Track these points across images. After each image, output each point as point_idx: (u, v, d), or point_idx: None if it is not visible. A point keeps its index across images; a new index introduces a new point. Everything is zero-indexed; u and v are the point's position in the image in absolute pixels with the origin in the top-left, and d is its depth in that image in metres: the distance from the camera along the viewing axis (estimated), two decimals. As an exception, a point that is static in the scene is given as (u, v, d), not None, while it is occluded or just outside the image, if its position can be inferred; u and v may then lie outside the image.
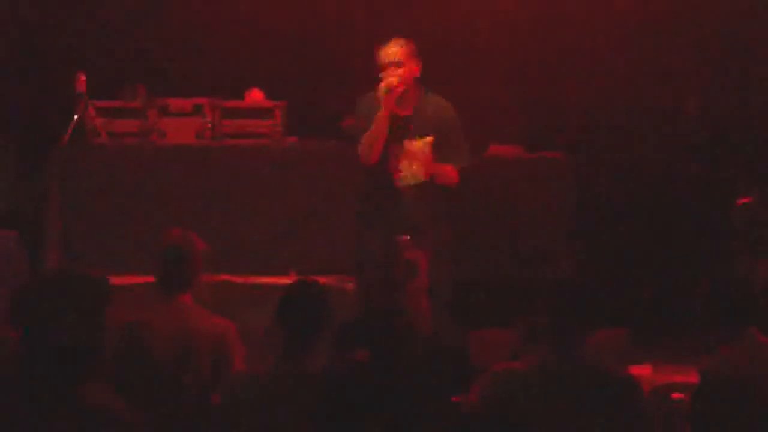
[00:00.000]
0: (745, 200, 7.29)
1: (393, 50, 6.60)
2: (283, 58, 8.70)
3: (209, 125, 7.75)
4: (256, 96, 8.05)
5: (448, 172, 6.67)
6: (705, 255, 7.49)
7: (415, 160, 6.63)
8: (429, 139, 6.66)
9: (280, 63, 8.67)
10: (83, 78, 7.68)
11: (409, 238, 5.89)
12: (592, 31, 8.63)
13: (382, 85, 6.53)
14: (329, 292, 4.77)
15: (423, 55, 6.72)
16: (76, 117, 7.66)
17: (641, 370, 5.94)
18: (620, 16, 8.63)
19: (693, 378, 4.91)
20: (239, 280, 7.26)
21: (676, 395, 5.66)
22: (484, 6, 8.74)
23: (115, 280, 6.02)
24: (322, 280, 5.10)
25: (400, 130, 6.63)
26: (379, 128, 6.52)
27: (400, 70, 6.58)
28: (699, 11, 8.55)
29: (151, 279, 5.38)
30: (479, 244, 7.61)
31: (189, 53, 8.64)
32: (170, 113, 7.79)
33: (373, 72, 6.80)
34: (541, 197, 7.86)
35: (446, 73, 7.65)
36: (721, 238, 7.60)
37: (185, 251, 5.21)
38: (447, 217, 6.73)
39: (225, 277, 7.28)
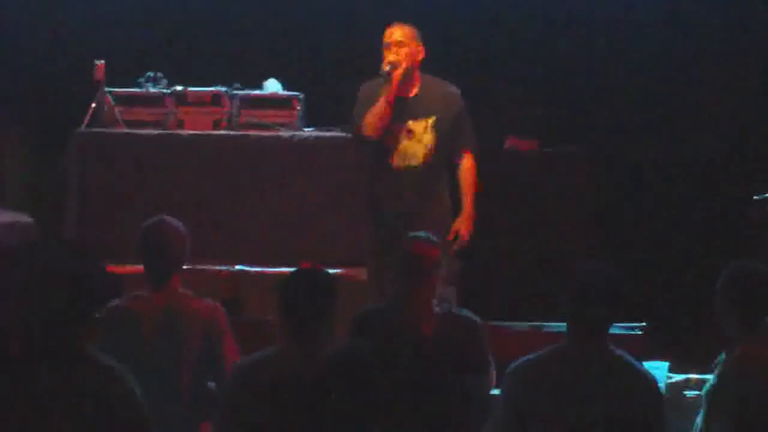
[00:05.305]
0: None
1: (396, 31, 6.61)
2: (301, 48, 8.67)
3: (227, 115, 7.75)
4: (273, 86, 8.03)
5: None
6: (725, 250, 7.43)
7: (419, 141, 6.63)
8: (430, 119, 6.64)
9: (298, 53, 8.64)
10: (102, 66, 7.69)
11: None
12: (613, 24, 8.57)
13: (386, 61, 6.52)
14: (332, 278, 4.73)
15: (439, 47, 6.70)
16: (93, 105, 7.67)
17: (658, 365, 5.91)
18: (642, 9, 8.57)
19: (709, 374, 4.87)
20: (253, 270, 7.27)
21: (692, 391, 5.63)
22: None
23: (129, 269, 6.05)
24: (336, 270, 5.08)
25: (403, 110, 6.60)
26: (381, 106, 6.50)
27: (403, 50, 6.57)
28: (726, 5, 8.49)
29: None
30: (495, 236, 7.57)
31: (208, 42, 8.62)
32: (188, 102, 7.79)
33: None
34: (559, 190, 7.82)
35: (461, 66, 7.62)
36: (741, 233, 7.56)
37: (162, 240, 5.19)
38: (454, 207, 6.70)
39: (239, 267, 7.29)
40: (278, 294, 4.63)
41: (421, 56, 6.64)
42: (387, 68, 6.52)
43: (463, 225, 6.65)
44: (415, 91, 6.66)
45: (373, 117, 6.54)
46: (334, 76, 8.41)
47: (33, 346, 3.43)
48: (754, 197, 7.28)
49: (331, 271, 5.13)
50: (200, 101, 7.79)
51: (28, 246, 5.77)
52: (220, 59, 8.47)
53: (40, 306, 3.43)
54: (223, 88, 7.79)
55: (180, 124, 7.77)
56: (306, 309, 4.57)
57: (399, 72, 6.52)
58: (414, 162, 6.63)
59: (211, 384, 5.20)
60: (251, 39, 8.63)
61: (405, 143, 6.62)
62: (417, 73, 6.65)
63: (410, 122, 6.62)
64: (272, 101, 7.84)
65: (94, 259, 3.69)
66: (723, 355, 4.74)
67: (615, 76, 8.48)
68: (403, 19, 6.76)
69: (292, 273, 4.74)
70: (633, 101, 8.51)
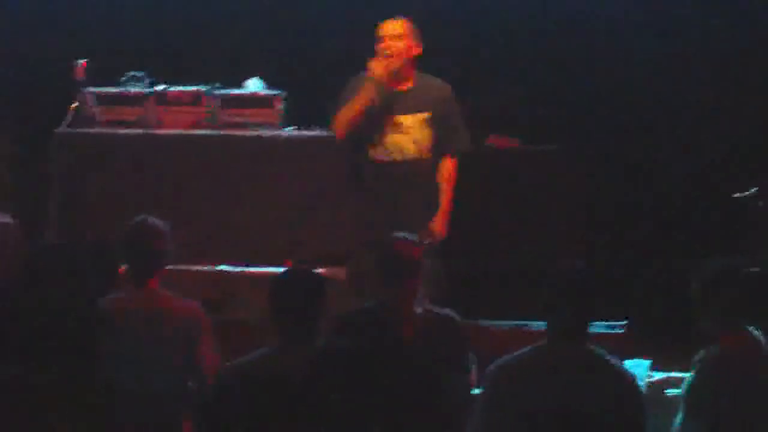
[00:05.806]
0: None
1: (394, 24, 6.55)
2: (283, 47, 8.66)
3: (208, 114, 7.74)
4: (254, 86, 8.02)
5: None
6: (724, 248, 7.42)
7: (407, 134, 6.60)
8: (423, 115, 6.61)
9: (280, 52, 8.63)
10: (83, 65, 7.68)
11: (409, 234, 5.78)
12: (613, 24, 8.56)
13: (381, 53, 6.45)
14: (323, 279, 4.73)
15: (439, 46, 6.70)
16: (74, 104, 7.66)
17: (638, 362, 5.92)
18: (642, 9, 8.56)
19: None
20: (236, 269, 7.26)
21: (672, 389, 5.63)
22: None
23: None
24: (318, 270, 5.07)
25: (392, 103, 6.57)
26: (354, 109, 6.45)
27: (399, 44, 6.53)
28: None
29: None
30: (486, 237, 7.57)
31: (189, 42, 8.60)
32: (169, 102, 7.78)
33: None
34: (541, 189, 7.81)
35: (459, 65, 7.60)
36: (740, 232, 7.56)
37: (145, 240, 5.21)
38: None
39: (221, 266, 7.28)
40: (271, 296, 4.62)
41: (415, 52, 6.58)
42: (380, 58, 6.45)
43: (438, 222, 6.62)
44: (408, 85, 6.62)
45: (344, 118, 6.51)
46: (319, 76, 8.40)
47: (34, 345, 3.42)
48: (734, 195, 7.30)
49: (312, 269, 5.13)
50: (181, 101, 7.78)
51: (29, 245, 5.79)
52: (204, 59, 8.46)
53: (42, 305, 3.42)
54: (204, 88, 7.77)
55: (161, 124, 7.75)
56: (299, 311, 4.57)
57: (388, 68, 6.45)
58: (399, 156, 6.59)
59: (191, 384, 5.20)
60: (235, 39, 8.62)
61: (391, 136, 6.58)
62: (411, 69, 6.61)
63: (399, 116, 6.58)
64: (253, 100, 7.82)
65: (95, 255, 3.69)
66: (702, 353, 4.75)
67: (615, 76, 8.47)
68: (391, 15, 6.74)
69: (283, 274, 4.75)
70: (633, 101, 8.50)
